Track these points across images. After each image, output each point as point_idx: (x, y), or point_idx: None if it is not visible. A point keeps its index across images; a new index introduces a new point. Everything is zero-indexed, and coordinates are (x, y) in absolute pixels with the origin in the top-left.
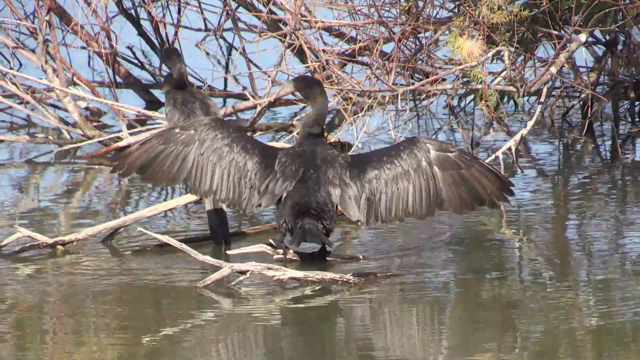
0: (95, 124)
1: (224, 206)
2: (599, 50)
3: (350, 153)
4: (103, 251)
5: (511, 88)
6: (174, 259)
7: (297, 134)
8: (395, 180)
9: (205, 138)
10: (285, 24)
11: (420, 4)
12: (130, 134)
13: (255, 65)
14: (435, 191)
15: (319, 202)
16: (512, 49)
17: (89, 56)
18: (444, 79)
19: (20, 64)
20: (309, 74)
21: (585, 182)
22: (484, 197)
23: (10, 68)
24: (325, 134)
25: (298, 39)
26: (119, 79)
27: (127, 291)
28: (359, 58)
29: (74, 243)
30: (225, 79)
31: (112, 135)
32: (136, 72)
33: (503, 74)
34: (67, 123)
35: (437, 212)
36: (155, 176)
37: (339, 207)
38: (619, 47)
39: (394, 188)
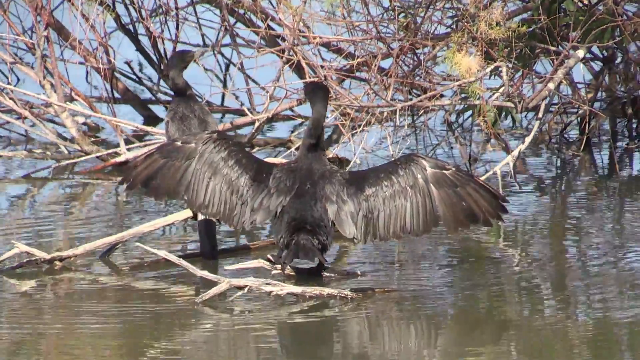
0: (93, 139)
1: (215, 221)
2: (597, 66)
3: (348, 169)
4: (101, 267)
5: (509, 104)
6: (172, 274)
7: (297, 149)
8: (392, 197)
9: (204, 151)
10: (283, 40)
11: (419, 19)
12: (128, 150)
13: (253, 80)
14: (432, 208)
15: (314, 217)
16: (510, 65)
17: (87, 71)
18: (442, 95)
19: (18, 79)
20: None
21: (582, 198)
22: (479, 216)
23: (8, 83)
24: (325, 150)
25: (296, 55)
26: (117, 95)
27: (125, 306)
28: (357, 74)
29: (72, 259)
30: (223, 95)
31: (110, 151)
32: (134, 87)
33: (501, 90)
34: (65, 138)
35: (432, 229)
36: (157, 190)
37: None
38: (617, 63)
39: (392, 205)
